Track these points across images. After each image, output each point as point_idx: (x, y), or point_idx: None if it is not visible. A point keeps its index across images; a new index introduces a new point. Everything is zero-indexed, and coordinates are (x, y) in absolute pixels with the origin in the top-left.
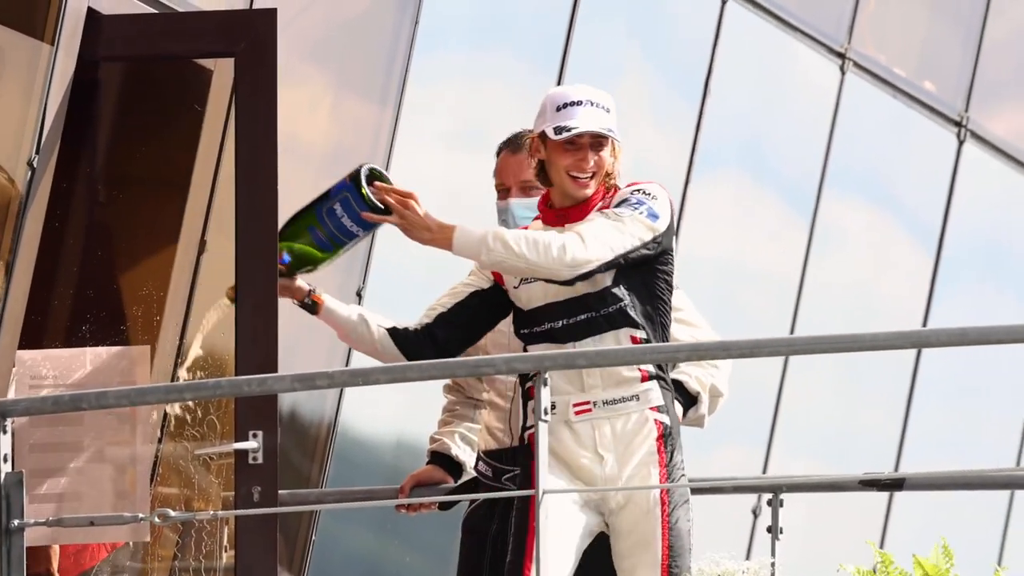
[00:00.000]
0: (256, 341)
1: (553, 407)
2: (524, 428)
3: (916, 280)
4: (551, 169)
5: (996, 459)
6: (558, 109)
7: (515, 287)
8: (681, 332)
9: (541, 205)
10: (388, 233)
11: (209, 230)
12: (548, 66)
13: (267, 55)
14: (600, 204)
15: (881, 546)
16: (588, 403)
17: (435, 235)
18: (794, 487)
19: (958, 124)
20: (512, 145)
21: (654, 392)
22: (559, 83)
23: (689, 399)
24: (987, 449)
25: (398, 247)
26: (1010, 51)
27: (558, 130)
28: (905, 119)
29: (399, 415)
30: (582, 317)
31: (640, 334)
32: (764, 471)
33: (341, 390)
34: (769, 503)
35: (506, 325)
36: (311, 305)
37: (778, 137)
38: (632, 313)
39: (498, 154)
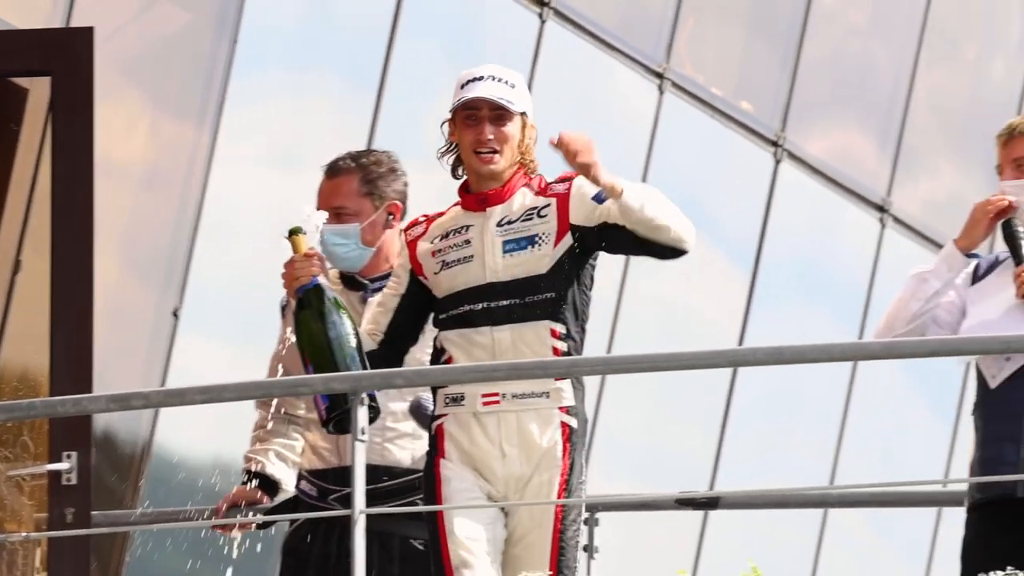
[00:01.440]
0: (71, 361)
1: (462, 398)
2: (433, 418)
3: (732, 299)
4: (461, 151)
5: (810, 478)
6: (461, 87)
7: (435, 273)
8: None
9: (460, 191)
10: (204, 251)
11: (24, 249)
12: (367, 86)
13: (84, 74)
14: (523, 183)
15: (696, 565)
16: (497, 395)
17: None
18: (610, 506)
19: (775, 144)
20: (329, 170)
21: (566, 392)
22: (377, 104)
23: None
24: (801, 468)
25: (215, 266)
26: (826, 72)
27: (454, 105)
28: (722, 139)
29: (215, 435)
30: (504, 303)
31: (560, 328)
32: None
33: (157, 410)
34: (585, 522)
35: None
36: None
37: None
38: (558, 306)
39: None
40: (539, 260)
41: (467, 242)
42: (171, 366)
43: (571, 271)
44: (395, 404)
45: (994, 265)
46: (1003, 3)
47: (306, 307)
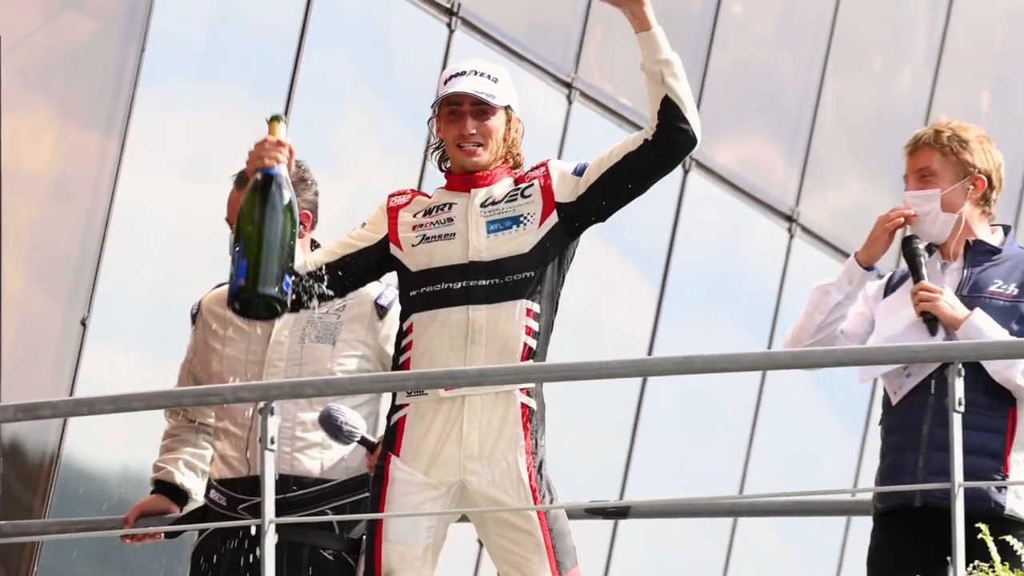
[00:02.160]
0: None
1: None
2: (394, 408)
3: (641, 309)
4: (445, 146)
5: (720, 487)
6: (444, 83)
7: (413, 245)
8: None
9: (448, 175)
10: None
11: None
12: (275, 95)
13: None
14: (511, 181)
15: (606, 574)
16: None
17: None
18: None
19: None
20: (238, 180)
21: None
22: (286, 113)
23: None
24: (711, 477)
25: (124, 274)
26: (734, 82)
27: (437, 101)
28: None
29: (125, 445)
30: (484, 282)
31: (535, 307)
32: None
33: (65, 420)
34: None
35: (241, 352)
36: None
37: None
38: (536, 286)
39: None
40: (523, 239)
41: (450, 220)
42: (79, 375)
43: (552, 251)
44: (305, 414)
45: (903, 279)
46: (909, 14)
47: (257, 190)
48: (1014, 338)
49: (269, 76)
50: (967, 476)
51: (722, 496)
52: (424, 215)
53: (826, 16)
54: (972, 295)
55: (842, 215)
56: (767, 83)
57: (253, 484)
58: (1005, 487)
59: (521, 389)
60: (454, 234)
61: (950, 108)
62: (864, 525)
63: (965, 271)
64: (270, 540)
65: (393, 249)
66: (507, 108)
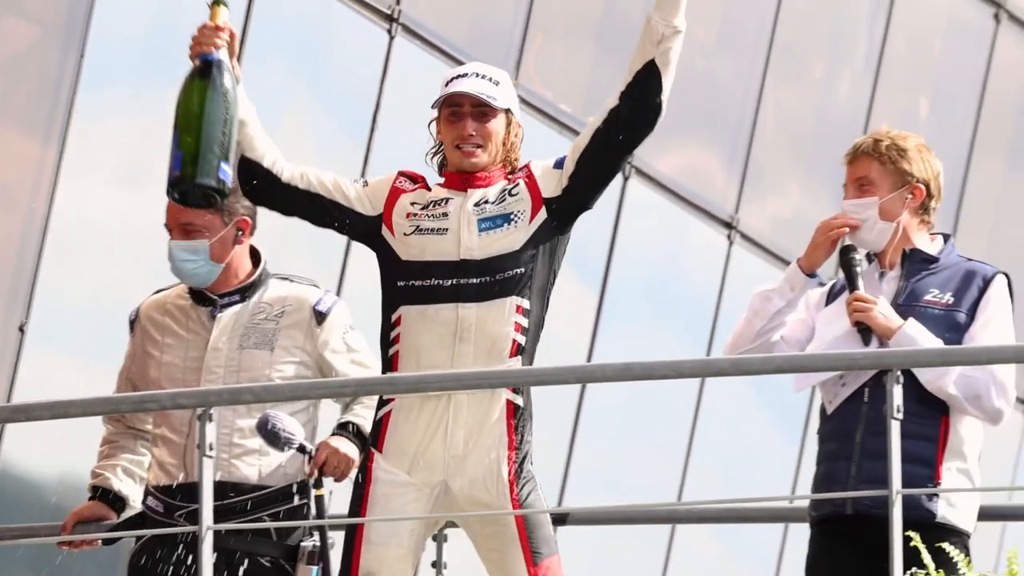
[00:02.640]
0: None
1: None
2: (381, 403)
3: (581, 315)
4: (444, 147)
5: (658, 494)
6: (445, 85)
7: (405, 234)
8: (356, 373)
9: (446, 174)
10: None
11: None
12: None
13: None
14: (504, 183)
15: None
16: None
17: None
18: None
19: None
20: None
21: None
22: None
23: (364, 441)
24: (649, 484)
25: (62, 281)
26: (674, 89)
27: (437, 102)
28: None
29: (62, 451)
30: (475, 281)
31: (525, 304)
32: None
33: (2, 426)
34: (434, 538)
35: (179, 359)
36: None
37: None
38: (527, 283)
39: None
40: (514, 236)
41: (444, 215)
42: (17, 382)
43: (543, 246)
44: (242, 421)
45: (844, 289)
46: (849, 22)
47: (195, 76)
48: (951, 346)
49: None
50: (904, 484)
51: (660, 503)
52: (422, 207)
53: (766, 24)
54: (908, 304)
55: (781, 222)
56: (707, 90)
57: (190, 490)
58: (937, 495)
59: (510, 388)
60: (447, 230)
61: (889, 116)
62: (802, 532)
63: (902, 280)
64: (207, 547)
65: (384, 232)
66: (508, 111)
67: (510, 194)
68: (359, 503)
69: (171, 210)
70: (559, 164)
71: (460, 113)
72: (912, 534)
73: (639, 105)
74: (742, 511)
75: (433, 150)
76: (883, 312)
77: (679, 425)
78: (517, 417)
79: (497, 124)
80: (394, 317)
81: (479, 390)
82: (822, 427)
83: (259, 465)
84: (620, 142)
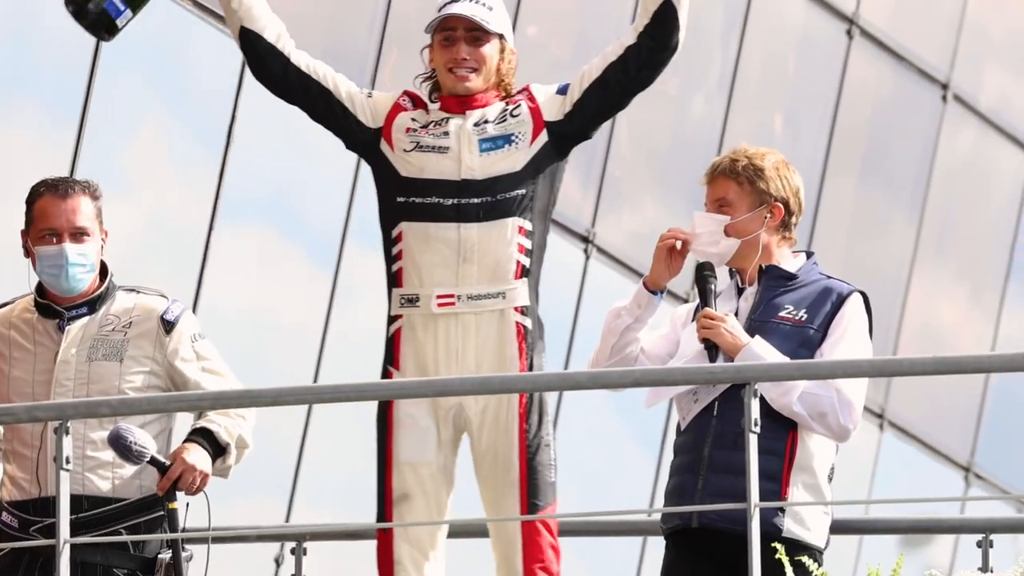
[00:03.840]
0: None
1: (417, 299)
2: (390, 320)
3: None
4: (437, 72)
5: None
6: (439, 10)
7: (405, 150)
8: (207, 381)
9: (441, 98)
10: None
11: None
12: (69, 118)
13: None
14: (503, 104)
15: None
16: (452, 296)
17: None
18: (317, 535)
19: None
20: (59, 190)
21: (520, 291)
22: (79, 135)
23: (219, 449)
24: None
25: None
26: None
27: (430, 25)
28: None
29: None
30: (475, 200)
31: (527, 225)
32: (287, 520)
33: None
34: (292, 552)
35: (28, 373)
36: None
37: (303, 188)
38: (528, 204)
39: (34, 201)
40: (515, 158)
41: (445, 134)
42: None
43: (544, 169)
44: (95, 433)
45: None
46: (704, 39)
47: None
48: (808, 360)
49: (63, 98)
50: (746, 498)
51: (521, 516)
52: (421, 125)
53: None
54: (762, 319)
55: (638, 237)
56: None
57: (44, 505)
58: (783, 510)
59: (516, 307)
60: (447, 148)
61: (744, 132)
62: (660, 545)
63: (758, 296)
64: (65, 560)
65: (383, 146)
66: (501, 37)
67: (511, 115)
68: (384, 425)
69: (61, 213)
70: (562, 90)
71: (454, 37)
72: (778, 546)
73: (657, 44)
74: (601, 524)
75: (425, 75)
76: (730, 329)
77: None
78: (527, 340)
79: (491, 48)
80: (395, 233)
81: (486, 310)
82: (677, 440)
83: (113, 477)
84: (635, 79)
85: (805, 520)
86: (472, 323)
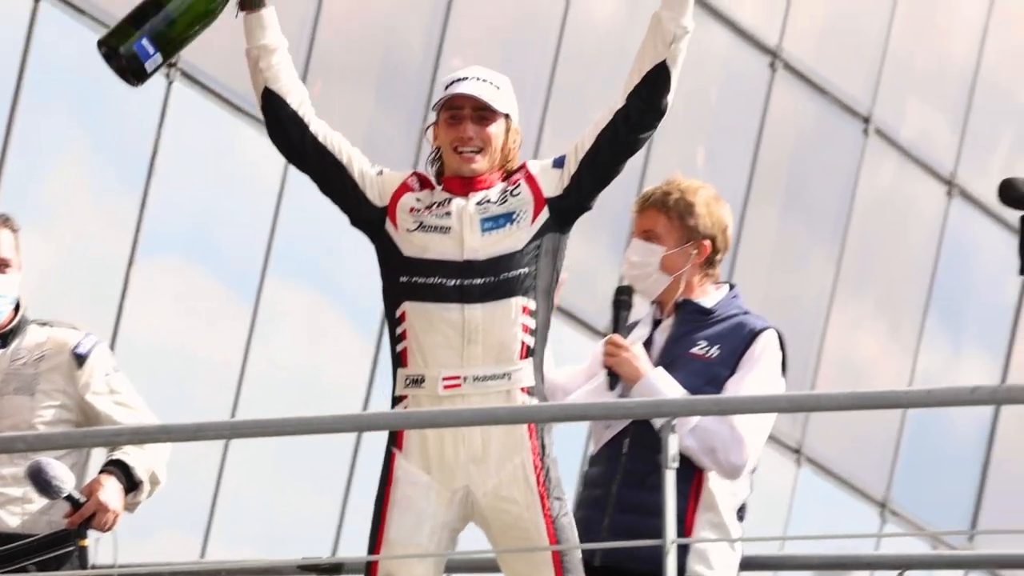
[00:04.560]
0: None
1: (422, 380)
2: (394, 400)
3: (357, 364)
4: (443, 151)
5: None
6: (445, 88)
7: (409, 229)
8: (121, 415)
9: (445, 180)
10: None
11: None
12: None
13: None
14: (503, 184)
15: None
16: (458, 378)
17: None
18: (233, 571)
19: None
20: None
21: (526, 371)
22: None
23: (133, 484)
24: None
25: None
26: None
27: (436, 103)
28: None
29: None
30: (478, 281)
31: (531, 305)
32: (203, 556)
33: None
34: None
35: None
36: (254, 1)
37: (223, 222)
38: (531, 283)
39: None
40: (517, 236)
41: (447, 214)
42: None
43: (546, 246)
44: (5, 469)
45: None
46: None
47: None
48: (728, 395)
49: None
50: (649, 537)
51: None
52: (425, 206)
53: (543, 71)
54: (675, 354)
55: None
56: None
57: None
58: (687, 549)
59: (522, 388)
60: (449, 228)
61: (666, 164)
62: None
63: (673, 330)
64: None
65: (388, 225)
66: (507, 117)
67: (512, 194)
68: (381, 504)
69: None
70: (558, 163)
71: (460, 116)
72: None
73: (646, 106)
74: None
75: (432, 156)
76: (632, 359)
77: None
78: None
79: (497, 128)
80: (398, 313)
81: (492, 391)
82: (587, 471)
83: (22, 513)
84: (625, 142)
85: (710, 559)
86: (478, 404)
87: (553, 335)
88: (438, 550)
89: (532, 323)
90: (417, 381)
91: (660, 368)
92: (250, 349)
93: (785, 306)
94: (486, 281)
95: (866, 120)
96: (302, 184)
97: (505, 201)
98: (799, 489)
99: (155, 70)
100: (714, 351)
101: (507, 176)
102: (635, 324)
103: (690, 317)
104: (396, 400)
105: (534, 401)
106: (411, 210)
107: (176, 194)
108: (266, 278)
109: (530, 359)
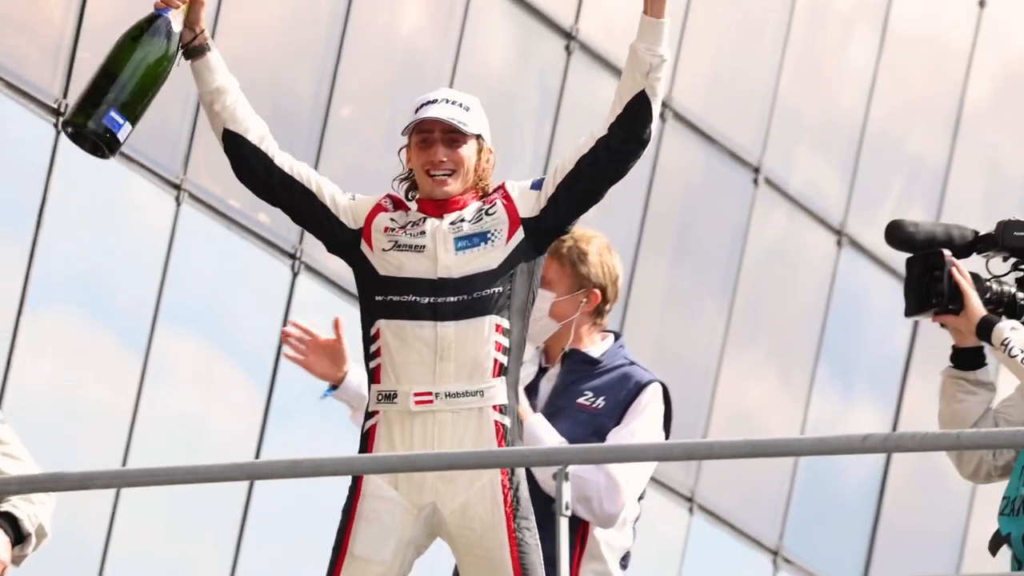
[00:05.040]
0: None
1: (394, 395)
2: (367, 415)
3: (248, 413)
4: (415, 174)
5: None
6: (415, 111)
7: (384, 249)
8: (6, 466)
9: (419, 201)
10: None
11: None
12: None
13: None
14: (479, 204)
15: None
16: (430, 394)
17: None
18: None
19: (292, 256)
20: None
21: (498, 390)
22: None
23: (20, 537)
24: None
25: None
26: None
27: (407, 127)
28: (240, 250)
29: None
30: (452, 299)
31: (504, 323)
32: None
33: None
34: None
35: None
36: (197, 49)
37: (112, 271)
38: (506, 302)
39: None
40: (491, 255)
41: (422, 233)
42: None
43: (521, 266)
44: None
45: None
46: (518, 121)
47: (138, 26)
48: (620, 443)
49: None
50: None
51: None
52: (399, 225)
53: None
54: (560, 405)
55: None
56: (375, 187)
57: None
58: None
59: (494, 406)
60: (423, 247)
61: None
62: None
63: (559, 379)
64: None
65: (363, 247)
66: (479, 137)
67: (487, 213)
68: (347, 517)
69: None
70: (536, 185)
71: (430, 139)
72: None
73: (629, 136)
74: None
75: (401, 176)
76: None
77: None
78: (507, 438)
79: (468, 150)
80: (372, 331)
81: (464, 408)
82: None
83: None
84: (606, 170)
85: None
86: (449, 421)
87: None
88: (402, 567)
89: (506, 342)
90: (389, 397)
91: (539, 414)
92: (141, 398)
93: (676, 356)
94: (459, 299)
95: (756, 170)
96: (193, 233)
97: (480, 220)
98: (692, 537)
99: (126, 138)
100: (600, 402)
101: (483, 195)
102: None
103: (576, 367)
104: (368, 415)
105: (506, 420)
106: (386, 230)
107: (65, 243)
108: (156, 327)
109: (503, 377)
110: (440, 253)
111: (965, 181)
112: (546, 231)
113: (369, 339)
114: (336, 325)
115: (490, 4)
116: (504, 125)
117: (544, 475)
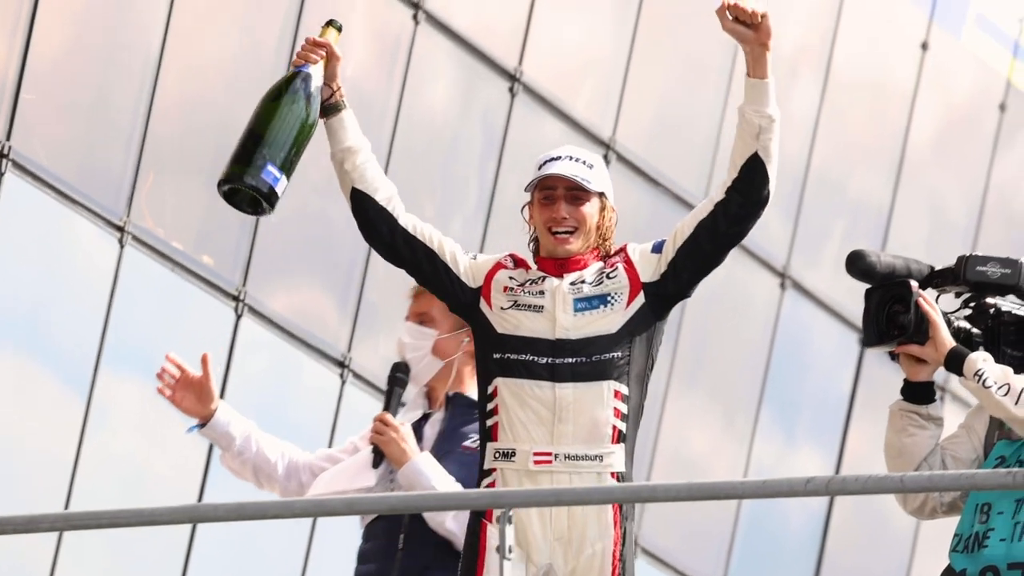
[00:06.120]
0: None
1: (513, 454)
2: (483, 473)
3: (192, 456)
4: (537, 231)
5: None
6: (538, 168)
7: (503, 308)
8: None
9: (539, 260)
10: None
11: None
12: None
13: None
14: (600, 264)
15: None
16: (550, 454)
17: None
18: None
19: (236, 299)
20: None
21: (617, 456)
22: None
23: None
24: None
25: None
26: (288, 228)
27: (530, 183)
28: (184, 293)
29: None
30: (569, 360)
31: (623, 390)
32: None
33: None
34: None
35: None
36: (332, 107)
37: (55, 313)
38: (624, 367)
39: None
40: (611, 319)
41: (541, 292)
42: None
43: (640, 332)
44: None
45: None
46: (461, 164)
47: (281, 84)
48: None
49: None
50: None
51: None
52: (519, 284)
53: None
54: (446, 449)
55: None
56: (320, 229)
57: None
58: None
59: (612, 474)
60: (542, 307)
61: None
62: None
63: (444, 423)
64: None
65: (482, 305)
66: (601, 195)
67: (608, 276)
68: (472, 570)
69: None
70: (657, 248)
71: (553, 196)
72: None
73: (746, 199)
74: None
75: (531, 237)
76: (400, 440)
77: (291, 565)
78: (622, 509)
79: (591, 208)
80: (490, 389)
81: (584, 472)
82: (362, 545)
83: None
84: (726, 235)
85: None
86: (566, 482)
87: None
88: None
89: (624, 408)
90: (507, 455)
91: (427, 453)
92: (84, 440)
93: None
94: (577, 361)
95: None
96: (136, 275)
97: (600, 283)
98: None
99: (283, 192)
100: None
101: (605, 257)
102: (404, 404)
103: (460, 411)
104: (485, 473)
105: None
106: (505, 289)
107: (8, 285)
108: (100, 368)
109: (622, 444)
110: (559, 313)
111: (908, 223)
112: (667, 296)
113: (486, 397)
114: (204, 362)
115: (434, 46)
116: (448, 166)
117: (430, 513)
